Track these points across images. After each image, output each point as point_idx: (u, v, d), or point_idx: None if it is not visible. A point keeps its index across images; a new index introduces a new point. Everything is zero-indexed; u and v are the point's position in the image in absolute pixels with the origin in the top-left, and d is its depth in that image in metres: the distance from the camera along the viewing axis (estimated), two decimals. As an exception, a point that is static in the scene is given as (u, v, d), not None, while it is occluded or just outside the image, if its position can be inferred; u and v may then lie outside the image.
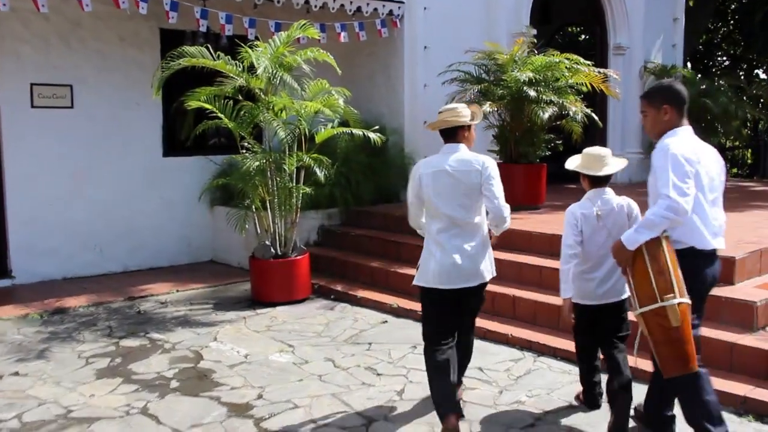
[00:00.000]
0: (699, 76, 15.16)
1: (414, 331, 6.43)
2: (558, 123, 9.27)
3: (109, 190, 8.84)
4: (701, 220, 3.98)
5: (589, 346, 4.73)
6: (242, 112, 7.46)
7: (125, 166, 8.96)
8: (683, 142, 3.99)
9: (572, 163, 4.64)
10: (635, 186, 12.96)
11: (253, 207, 7.57)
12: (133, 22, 8.74)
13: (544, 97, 8.52)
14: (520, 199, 8.57)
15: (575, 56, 8.91)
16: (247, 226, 7.57)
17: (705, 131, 13.35)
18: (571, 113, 8.78)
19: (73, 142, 8.56)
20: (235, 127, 7.37)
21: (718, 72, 20.41)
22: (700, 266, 4.02)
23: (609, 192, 4.59)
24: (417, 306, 5.91)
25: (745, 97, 14.38)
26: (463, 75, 9.32)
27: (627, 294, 4.31)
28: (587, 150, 4.63)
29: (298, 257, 7.65)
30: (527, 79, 8.49)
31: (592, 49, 14.81)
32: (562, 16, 15.86)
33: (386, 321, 6.95)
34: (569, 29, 18.66)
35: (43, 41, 8.30)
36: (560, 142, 9.54)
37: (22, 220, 8.25)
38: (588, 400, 4.82)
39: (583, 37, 19.36)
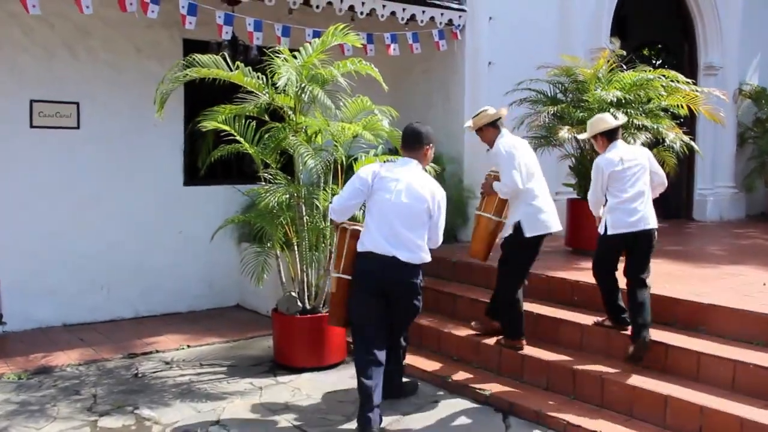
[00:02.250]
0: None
1: (473, 416, 4.99)
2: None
3: (119, 222, 7.63)
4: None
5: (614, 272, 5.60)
6: (266, 136, 6.16)
7: (139, 195, 7.75)
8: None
9: (587, 132, 5.84)
10: (726, 225, 11.32)
11: (277, 251, 6.22)
12: (151, 30, 7.58)
13: (635, 121, 7.01)
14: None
15: (673, 73, 7.37)
16: (266, 275, 6.20)
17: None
18: (668, 141, 7.24)
19: (79, 167, 7.38)
20: (257, 153, 6.07)
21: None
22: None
23: (622, 143, 5.71)
24: (474, 380, 5.68)
25: None
26: (535, 95, 7.87)
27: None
28: (593, 118, 5.88)
29: (331, 312, 6.26)
30: (614, 100, 6.99)
31: (673, 70, 13.22)
32: (641, 33, 14.23)
33: (437, 401, 5.49)
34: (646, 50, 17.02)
35: (45, 51, 7.17)
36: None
37: (17, 255, 7.05)
38: (616, 321, 5.58)
39: (655, 59, 17.70)
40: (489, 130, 5.81)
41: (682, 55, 12.17)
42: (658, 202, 5.72)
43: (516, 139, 5.80)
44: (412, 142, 5.03)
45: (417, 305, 5.02)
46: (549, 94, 7.88)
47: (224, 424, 4.99)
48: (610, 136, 5.60)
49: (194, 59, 5.77)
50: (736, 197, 12.25)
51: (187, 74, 5.65)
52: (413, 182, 4.82)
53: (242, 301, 8.42)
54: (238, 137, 6.12)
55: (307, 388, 5.74)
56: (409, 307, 5.01)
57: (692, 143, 7.47)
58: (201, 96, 7.00)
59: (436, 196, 4.85)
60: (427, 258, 4.87)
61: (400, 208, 4.76)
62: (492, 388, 5.47)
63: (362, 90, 6.30)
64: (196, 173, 7.86)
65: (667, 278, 6.39)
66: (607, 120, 5.67)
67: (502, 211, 5.86)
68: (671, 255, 7.71)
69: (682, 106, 7.59)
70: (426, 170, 5.16)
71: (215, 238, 7.25)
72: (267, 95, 5.87)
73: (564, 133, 7.02)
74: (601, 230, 5.55)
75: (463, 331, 6.27)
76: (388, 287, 4.85)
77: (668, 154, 7.82)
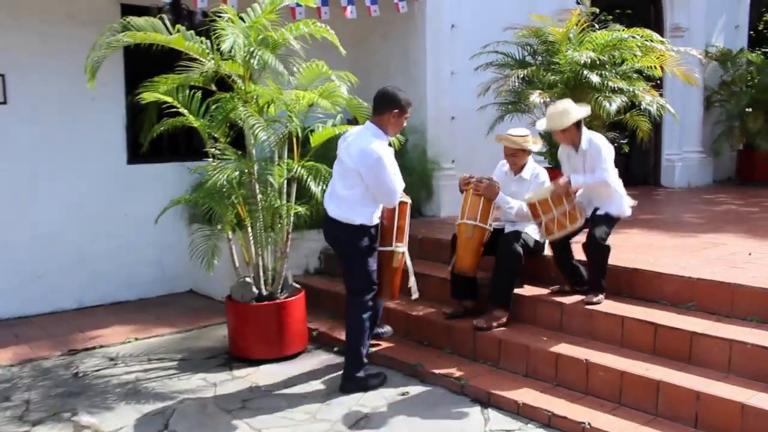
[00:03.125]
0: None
1: (448, 409, 4.56)
2: (620, 118, 7.30)
3: (57, 205, 7.00)
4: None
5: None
6: (213, 107, 5.59)
7: (78, 175, 7.11)
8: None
9: (557, 124, 5.33)
10: (695, 191, 11.04)
11: (228, 234, 5.68)
12: (85, -7, 6.91)
13: (610, 83, 6.57)
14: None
15: (648, 31, 6.94)
16: (217, 261, 5.66)
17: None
18: (644, 104, 6.82)
19: (8, 147, 6.71)
20: (203, 126, 5.50)
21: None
22: None
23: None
24: (447, 367, 5.24)
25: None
26: (502, 58, 7.39)
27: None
28: (555, 109, 5.38)
29: (290, 298, 5.76)
30: (588, 61, 6.54)
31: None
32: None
33: (407, 392, 5.04)
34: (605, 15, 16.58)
35: (-39, 18, 6.48)
36: (626, 141, 7.58)
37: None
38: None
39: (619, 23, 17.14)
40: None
41: (648, 17, 11.77)
42: (624, 168, 5.39)
43: None
44: (375, 105, 4.94)
45: (351, 267, 5.04)
46: (517, 57, 7.40)
47: (174, 429, 4.48)
48: (580, 123, 5.35)
49: (129, 23, 5.15)
50: (703, 162, 11.97)
51: (120, 39, 5.03)
52: (352, 143, 4.86)
53: (196, 287, 7.87)
54: (181, 109, 5.54)
55: (265, 383, 5.25)
56: (344, 267, 5.15)
57: (668, 106, 7.05)
58: (145, 66, 6.34)
59: (365, 158, 4.73)
60: (357, 220, 4.87)
61: (337, 168, 4.99)
62: (468, 375, 5.03)
63: (318, 56, 5.74)
64: (140, 150, 7.24)
65: (648, 250, 6.01)
66: (575, 107, 5.31)
67: (488, 216, 5.45)
68: (647, 224, 7.35)
69: (655, 68, 7.18)
70: (385, 136, 4.89)
71: (165, 220, 6.63)
72: (212, 62, 5.29)
73: (535, 97, 6.56)
74: (617, 210, 5.34)
75: (433, 314, 5.82)
76: (329, 243, 5.25)
77: (642, 119, 7.42)
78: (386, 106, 4.84)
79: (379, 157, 4.71)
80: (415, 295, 5.41)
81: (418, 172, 8.03)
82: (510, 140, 5.53)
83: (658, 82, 8.71)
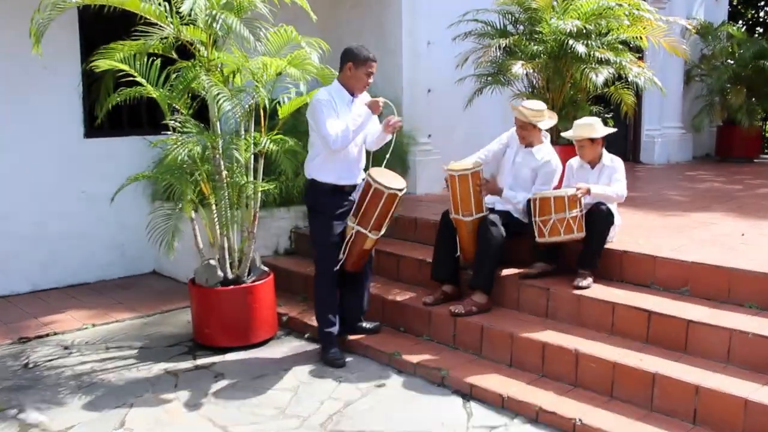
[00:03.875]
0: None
1: (428, 403, 4.23)
2: (604, 91, 6.97)
3: (9, 184, 6.53)
4: None
5: None
6: (173, 76, 5.16)
7: (31, 151, 6.62)
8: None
9: (587, 132, 5.13)
10: (676, 167, 10.81)
11: (190, 213, 5.27)
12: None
13: (597, 53, 6.22)
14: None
15: (637, 0, 6.59)
16: (177, 242, 5.25)
17: (765, 98, 11.11)
18: (631, 76, 6.49)
19: (-48, 119, 6.23)
20: (162, 97, 5.06)
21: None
22: None
23: None
24: (426, 356, 4.91)
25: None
26: (482, 27, 7.00)
27: None
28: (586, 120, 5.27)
29: (258, 282, 5.39)
30: (573, 30, 6.18)
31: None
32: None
33: (384, 384, 4.70)
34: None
35: None
36: (611, 116, 7.27)
37: None
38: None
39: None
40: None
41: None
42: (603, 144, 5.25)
43: None
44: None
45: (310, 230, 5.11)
46: (498, 26, 7.02)
47: (130, 428, 4.11)
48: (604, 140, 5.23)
49: (77, -21, 4.69)
50: (683, 138, 11.73)
51: (68, 1, 4.57)
52: None
53: (159, 268, 7.46)
54: (138, 78, 5.10)
55: (231, 373, 4.89)
56: None
57: (655, 79, 6.73)
58: (103, 32, 5.87)
59: (311, 103, 4.83)
60: (308, 173, 4.96)
61: None
62: (448, 365, 4.70)
63: (286, 23, 5.31)
64: (98, 123, 6.77)
65: (637, 230, 5.71)
66: (601, 123, 5.25)
67: (482, 202, 5.18)
68: (632, 202, 7.01)
69: (641, 38, 6.85)
70: (341, 90, 4.86)
71: (125, 197, 6.25)
72: (172, 27, 4.84)
73: (517, 68, 6.20)
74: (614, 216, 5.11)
75: (411, 298, 5.49)
76: None
77: (626, 92, 7.11)
78: (343, 60, 4.82)
79: (315, 100, 4.76)
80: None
81: (393, 147, 7.63)
82: (519, 111, 5.19)
83: (639, 55, 8.41)
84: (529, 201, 5.01)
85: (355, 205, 4.93)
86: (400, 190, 4.89)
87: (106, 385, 4.70)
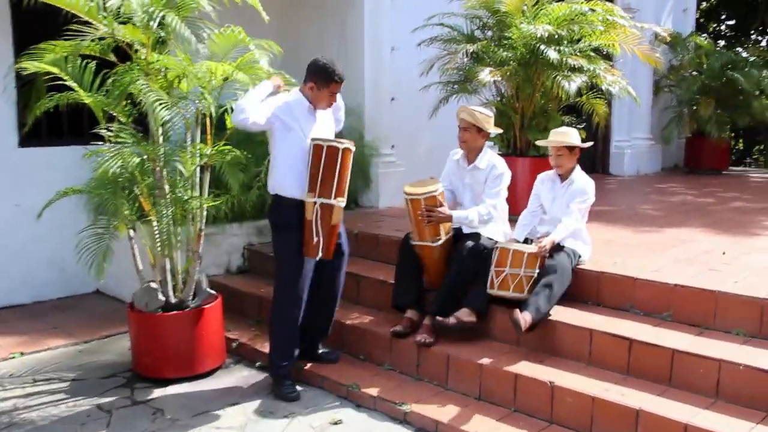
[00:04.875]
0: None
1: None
2: (576, 101, 6.64)
3: (-68, 197, 5.98)
4: None
5: None
6: (110, 81, 4.69)
7: (-43, 161, 6.09)
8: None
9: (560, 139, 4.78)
10: (646, 179, 10.56)
11: (123, 232, 4.79)
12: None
13: (569, 60, 5.88)
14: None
15: (608, 5, 6.27)
16: (118, 260, 4.75)
17: (734, 110, 10.92)
18: (605, 84, 6.16)
19: None
20: (95, 103, 4.58)
21: (730, 40, 18.03)
22: None
23: None
24: (387, 389, 4.46)
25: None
26: (449, 32, 6.63)
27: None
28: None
29: (204, 306, 4.92)
30: (545, 35, 5.83)
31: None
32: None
33: (340, 420, 4.26)
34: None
35: None
36: (583, 126, 6.93)
37: None
38: None
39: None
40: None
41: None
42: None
43: None
44: None
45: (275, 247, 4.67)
46: (465, 32, 6.66)
47: (49, 479, 3.63)
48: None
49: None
50: (652, 149, 11.51)
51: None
52: None
53: (103, 287, 6.92)
54: (70, 82, 4.61)
55: (172, 409, 4.41)
56: None
57: (629, 88, 6.41)
58: (40, 33, 5.37)
59: None
60: (272, 189, 4.56)
61: None
62: (411, 399, 4.27)
63: (241, 25, 4.86)
64: (36, 131, 6.23)
65: (611, 248, 5.36)
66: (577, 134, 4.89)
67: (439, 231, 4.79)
68: (604, 217, 6.71)
69: (614, 46, 6.53)
70: (301, 99, 4.48)
71: (65, 212, 5.74)
72: (106, 26, 4.37)
73: (485, 75, 5.84)
74: (576, 254, 4.72)
75: (372, 323, 5.07)
76: None
77: (599, 102, 6.79)
78: (308, 73, 4.44)
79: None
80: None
81: (355, 159, 7.20)
82: (468, 111, 4.82)
83: (610, 63, 8.12)
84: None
85: (308, 179, 4.41)
86: (352, 144, 4.55)
87: (28, 424, 4.19)
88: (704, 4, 17.95)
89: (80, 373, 5.01)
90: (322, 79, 4.38)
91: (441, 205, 4.70)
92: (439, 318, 4.53)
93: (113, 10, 4.07)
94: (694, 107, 11.13)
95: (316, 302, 4.71)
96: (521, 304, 4.33)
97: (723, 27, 19.81)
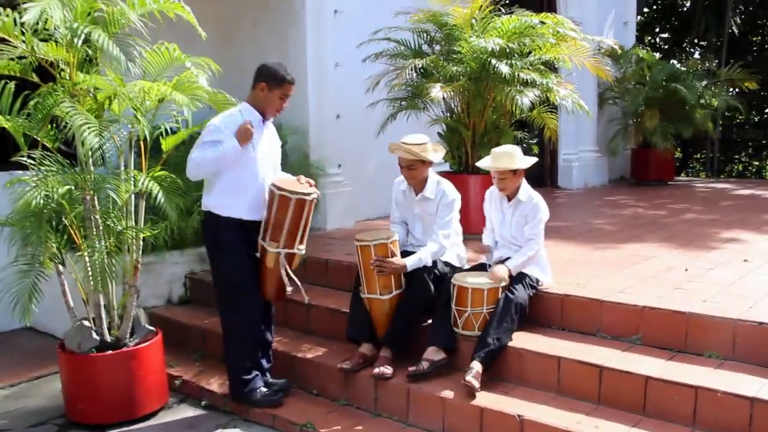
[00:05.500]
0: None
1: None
2: (526, 115, 6.47)
3: None
4: None
5: None
6: (32, 103, 4.31)
7: None
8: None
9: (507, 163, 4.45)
10: (594, 192, 10.51)
11: (53, 268, 4.39)
12: None
13: (521, 74, 5.70)
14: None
15: (560, 17, 6.14)
16: (34, 306, 4.34)
17: (678, 122, 10.97)
18: (558, 99, 6.00)
19: None
20: (15, 127, 4.19)
21: (665, 53, 18.33)
22: None
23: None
24: (343, 427, 4.16)
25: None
26: (395, 47, 6.40)
27: None
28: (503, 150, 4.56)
29: (142, 344, 4.54)
30: (496, 48, 5.64)
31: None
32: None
33: (295, 466, 3.95)
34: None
35: None
36: (535, 141, 6.77)
37: None
38: None
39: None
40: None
41: (540, 8, 11.14)
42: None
43: None
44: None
45: (211, 268, 4.47)
46: (412, 46, 6.43)
47: None
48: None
49: None
50: (599, 162, 11.48)
51: None
52: None
53: (35, 322, 6.42)
54: (-18, 104, 4.22)
55: (109, 461, 4.04)
56: None
57: (581, 102, 6.27)
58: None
59: None
60: (207, 206, 4.30)
61: None
62: (371, 439, 4.00)
63: (178, 43, 4.53)
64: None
65: (571, 268, 5.17)
66: (521, 153, 4.57)
67: (401, 278, 4.53)
68: (559, 233, 6.55)
69: (565, 59, 6.39)
70: (251, 111, 4.26)
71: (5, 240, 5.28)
72: (24, 44, 4.00)
73: (436, 91, 5.61)
74: (534, 280, 4.49)
75: (324, 355, 4.76)
76: None
77: (550, 116, 6.64)
78: (256, 78, 4.27)
79: (208, 123, 4.18)
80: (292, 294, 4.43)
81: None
82: (405, 149, 4.50)
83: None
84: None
85: (270, 227, 4.22)
86: (317, 192, 4.39)
87: (-54, 486, 3.77)
88: (638, 17, 18.23)
89: (5, 422, 4.58)
90: (275, 80, 4.21)
91: (393, 255, 4.42)
92: (411, 369, 4.22)
93: (31, 26, 3.69)
94: (639, 119, 11.15)
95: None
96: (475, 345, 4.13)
97: (657, 39, 20.18)
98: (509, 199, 4.55)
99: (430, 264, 4.49)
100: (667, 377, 3.65)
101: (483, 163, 4.59)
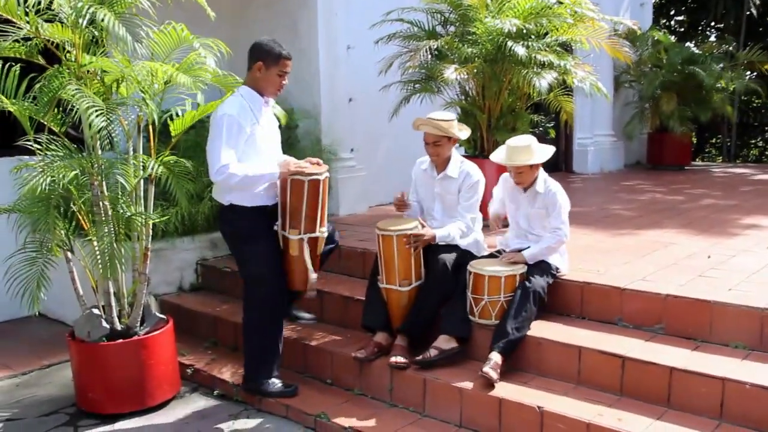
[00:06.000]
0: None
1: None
2: (543, 98, 6.33)
3: None
4: None
5: None
6: (38, 86, 4.21)
7: None
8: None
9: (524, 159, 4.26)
10: (610, 176, 10.36)
11: (61, 254, 4.31)
12: None
13: (538, 56, 5.55)
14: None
15: (579, -3, 5.97)
16: (43, 295, 4.26)
17: (696, 105, 10.78)
18: (576, 81, 5.84)
19: None
20: (20, 111, 4.10)
21: (680, 36, 18.06)
22: None
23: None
24: (358, 417, 4.06)
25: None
26: (409, 28, 6.26)
27: None
28: (519, 142, 4.34)
29: (153, 333, 4.46)
30: (512, 30, 5.49)
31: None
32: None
33: (309, 457, 3.86)
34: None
35: None
36: (552, 125, 6.62)
37: None
38: None
39: None
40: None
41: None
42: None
43: None
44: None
45: (234, 254, 4.39)
46: (426, 27, 6.29)
47: None
48: None
49: None
50: (615, 146, 11.33)
51: None
52: None
53: (47, 309, 6.35)
54: (-12, 87, 4.12)
55: (120, 452, 3.97)
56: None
57: (599, 84, 6.11)
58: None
59: (214, 115, 4.04)
60: (226, 199, 4.14)
61: None
62: (386, 429, 3.89)
63: (187, 24, 4.41)
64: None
65: (590, 255, 5.05)
66: (538, 144, 4.36)
67: (420, 266, 4.38)
68: (576, 219, 6.32)
69: (582, 40, 6.23)
70: (254, 96, 4.12)
71: (3, 227, 5.19)
72: (29, 24, 3.89)
73: (450, 73, 5.47)
74: (552, 269, 4.35)
75: (338, 343, 4.66)
76: None
77: (566, 99, 6.49)
78: (251, 58, 4.10)
79: (220, 113, 3.98)
80: (310, 293, 4.30)
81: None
82: (433, 124, 4.39)
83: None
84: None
85: (287, 214, 4.12)
86: (327, 169, 4.29)
87: (-45, 477, 3.71)
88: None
89: (16, 410, 4.52)
90: (270, 58, 4.05)
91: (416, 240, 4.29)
92: (418, 358, 4.14)
93: (35, 5, 3.58)
94: (656, 103, 10.97)
95: None
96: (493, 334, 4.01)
97: (672, 22, 19.88)
98: (525, 188, 4.42)
99: (457, 242, 4.37)
100: (693, 368, 3.52)
101: (497, 157, 4.41)
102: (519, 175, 4.31)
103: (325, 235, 4.26)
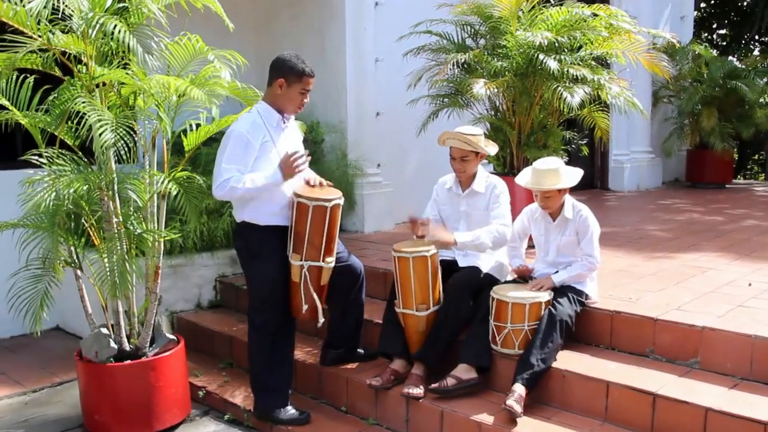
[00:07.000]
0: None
1: None
2: (576, 114, 6.09)
3: None
4: None
5: None
6: (50, 98, 4.10)
7: None
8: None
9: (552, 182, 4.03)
10: (647, 195, 10.04)
11: (76, 271, 4.19)
12: None
13: (571, 70, 5.32)
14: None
15: (613, 9, 5.74)
16: (45, 314, 4.13)
17: (737, 121, 10.42)
18: (610, 96, 5.60)
19: None
20: (32, 123, 3.99)
21: (722, 49, 17.62)
22: None
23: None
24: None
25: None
26: (438, 41, 6.08)
27: None
28: (545, 165, 4.08)
29: (162, 354, 4.31)
30: (544, 43, 5.28)
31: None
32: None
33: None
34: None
35: None
36: (585, 142, 6.38)
37: None
38: None
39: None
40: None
41: (592, 2, 10.69)
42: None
43: None
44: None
45: (246, 278, 4.22)
46: (455, 40, 6.10)
47: None
48: None
49: None
50: (652, 163, 10.99)
51: None
52: None
53: (63, 323, 6.30)
54: (1, 100, 4.01)
55: (123, 479, 3.81)
56: None
57: (635, 100, 5.86)
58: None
59: (227, 130, 3.94)
60: (241, 216, 4.02)
61: None
62: (401, 465, 3.69)
63: (214, 42, 4.25)
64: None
65: (622, 280, 4.79)
66: (565, 166, 4.15)
67: (438, 288, 4.18)
68: (610, 240, 6.14)
69: (617, 54, 5.98)
70: (270, 112, 3.95)
71: (20, 242, 5.11)
72: (40, 36, 3.78)
73: (479, 87, 5.26)
74: (582, 296, 4.11)
75: (354, 369, 4.47)
76: None
77: (601, 115, 6.24)
78: (273, 74, 3.93)
79: (230, 130, 3.88)
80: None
81: (337, 179, 6.62)
82: (461, 138, 4.19)
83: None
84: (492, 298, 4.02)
85: (293, 237, 3.95)
86: (341, 196, 4.03)
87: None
88: (695, 13, 17.55)
89: (23, 430, 4.39)
90: (293, 75, 3.87)
91: (435, 268, 4.10)
92: (434, 385, 3.92)
93: (46, 16, 3.47)
94: (696, 119, 10.63)
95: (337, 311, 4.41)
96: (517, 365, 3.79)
97: (714, 36, 19.42)
98: (553, 217, 4.19)
99: (488, 245, 4.15)
100: (730, 410, 3.26)
101: (523, 180, 4.16)
102: (546, 200, 4.08)
103: (331, 266, 4.03)
